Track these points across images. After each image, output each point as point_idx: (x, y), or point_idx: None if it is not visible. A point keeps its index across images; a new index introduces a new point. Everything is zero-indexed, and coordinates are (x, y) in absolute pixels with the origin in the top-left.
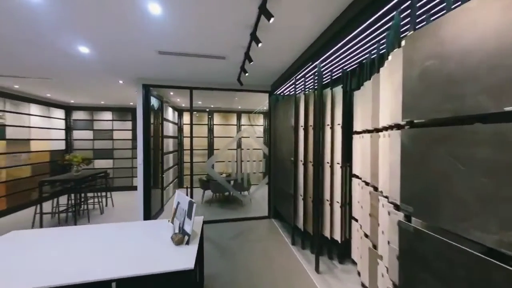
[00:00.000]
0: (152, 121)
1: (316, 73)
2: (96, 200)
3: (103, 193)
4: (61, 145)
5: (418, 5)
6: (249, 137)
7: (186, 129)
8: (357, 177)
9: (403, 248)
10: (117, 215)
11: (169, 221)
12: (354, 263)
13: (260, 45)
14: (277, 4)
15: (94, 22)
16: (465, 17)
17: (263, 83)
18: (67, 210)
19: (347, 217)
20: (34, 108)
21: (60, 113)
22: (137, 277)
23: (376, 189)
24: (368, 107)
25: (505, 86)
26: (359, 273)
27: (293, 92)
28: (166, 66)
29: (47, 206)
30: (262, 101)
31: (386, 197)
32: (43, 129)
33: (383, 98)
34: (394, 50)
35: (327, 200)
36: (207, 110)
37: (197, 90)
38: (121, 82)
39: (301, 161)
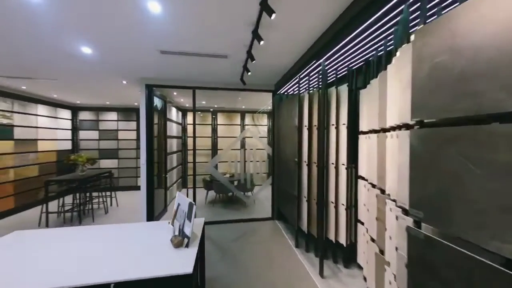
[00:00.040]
0: (156, 121)
1: (321, 72)
2: (100, 199)
3: (108, 193)
4: (68, 145)
5: None
6: (252, 137)
7: (190, 129)
8: (363, 178)
9: (412, 255)
10: (121, 215)
11: (169, 223)
12: (360, 267)
13: (262, 42)
14: (279, 0)
15: (95, 22)
16: (482, 6)
17: (266, 83)
18: (72, 209)
19: (353, 220)
20: (41, 109)
21: (66, 114)
22: (134, 281)
23: (383, 191)
24: (375, 106)
25: None
26: (365, 278)
27: (297, 91)
28: (168, 66)
29: (53, 205)
30: (266, 101)
31: (394, 200)
32: (50, 129)
33: (391, 97)
34: (403, 46)
35: (332, 202)
36: (211, 110)
37: (200, 90)
38: (124, 82)
39: (305, 161)
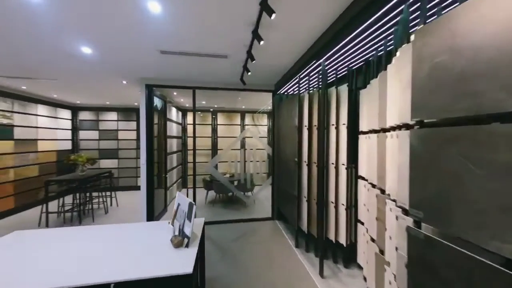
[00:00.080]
0: (156, 121)
1: (321, 72)
2: (100, 199)
3: (108, 193)
4: (68, 145)
5: None
6: (252, 137)
7: (190, 129)
8: (363, 178)
9: (412, 255)
10: (122, 215)
11: (169, 223)
12: (360, 267)
13: (262, 42)
14: (279, 0)
15: (95, 22)
16: (482, 6)
17: (266, 83)
18: (72, 209)
19: (353, 220)
20: (41, 109)
21: (66, 114)
22: (134, 281)
23: (383, 191)
24: (375, 106)
25: None
26: (365, 278)
27: (297, 91)
28: (168, 66)
29: (53, 205)
30: (266, 101)
31: (394, 200)
32: (50, 129)
33: (391, 97)
34: (403, 46)
35: (332, 202)
36: (211, 110)
37: (200, 90)
38: (124, 82)
39: (305, 161)
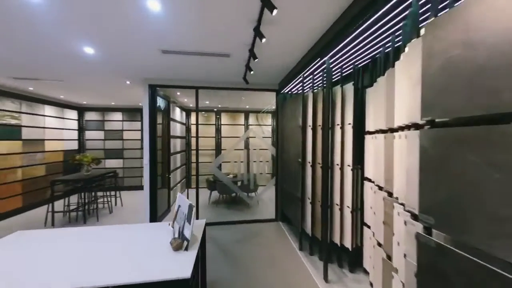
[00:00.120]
0: (159, 121)
1: (325, 70)
2: (105, 199)
3: (112, 193)
4: (74, 145)
5: None
6: (255, 137)
7: (194, 129)
8: (369, 180)
9: (422, 264)
10: (125, 215)
11: (169, 224)
12: (366, 272)
13: (264, 40)
14: None
15: (95, 22)
16: None
17: (270, 82)
18: (77, 209)
19: (359, 223)
20: (48, 109)
21: (73, 114)
22: (131, 285)
23: (390, 194)
24: (382, 105)
25: None
26: (371, 284)
27: (301, 90)
28: (171, 65)
29: (59, 205)
30: (270, 100)
31: (402, 204)
32: (57, 130)
33: (399, 95)
34: (412, 41)
35: (337, 205)
36: (215, 110)
37: (204, 90)
38: (128, 82)
39: (309, 162)
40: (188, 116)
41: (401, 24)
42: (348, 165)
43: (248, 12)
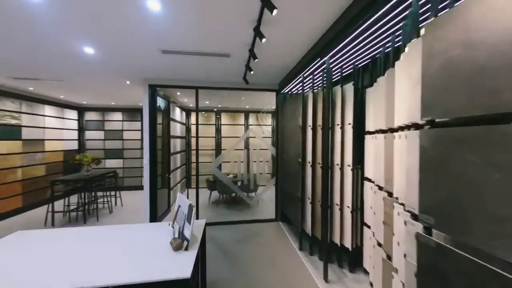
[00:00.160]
0: (160, 121)
1: (325, 70)
2: (105, 199)
3: (113, 193)
4: (74, 145)
5: None
6: (255, 137)
7: (194, 129)
8: (369, 180)
9: (422, 264)
10: (125, 215)
11: (169, 224)
12: (366, 272)
13: (264, 40)
14: None
15: (94, 22)
16: None
17: (269, 82)
18: (77, 209)
19: (359, 223)
20: (48, 109)
21: (73, 114)
22: (131, 285)
23: (390, 194)
24: (382, 105)
25: None
26: (371, 284)
27: (301, 90)
28: (171, 65)
29: (59, 204)
30: (270, 100)
31: (402, 204)
32: (57, 130)
33: (399, 95)
34: (412, 41)
35: (337, 205)
36: (215, 110)
37: (204, 90)
38: (128, 82)
39: (309, 162)
40: (188, 116)
41: (401, 24)
42: (348, 165)
43: (248, 12)
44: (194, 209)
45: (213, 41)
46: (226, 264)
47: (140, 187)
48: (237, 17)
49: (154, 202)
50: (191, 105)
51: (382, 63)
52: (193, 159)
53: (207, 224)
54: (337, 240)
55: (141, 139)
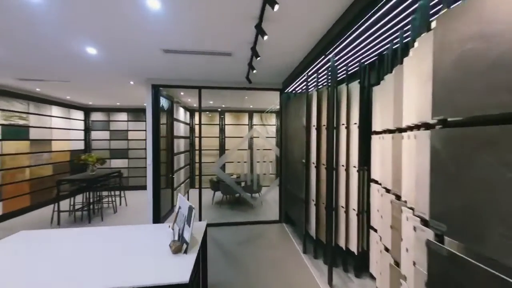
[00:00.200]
0: (163, 121)
1: (330, 68)
2: (110, 199)
3: (117, 192)
4: (81, 145)
5: None
6: (259, 137)
7: (198, 129)
8: (376, 182)
9: (433, 273)
10: (130, 214)
11: (169, 226)
12: (373, 277)
13: (266, 37)
14: None
15: (96, 22)
16: None
17: (273, 81)
18: (82, 208)
19: (365, 227)
20: (55, 110)
21: (79, 114)
22: None
23: (398, 197)
24: (390, 104)
25: None
26: None
27: (305, 89)
28: (173, 65)
29: (65, 204)
30: (274, 100)
31: (412, 208)
32: (64, 130)
33: (408, 93)
34: (422, 35)
35: (342, 207)
36: (219, 110)
37: (207, 90)
38: (131, 83)
39: (314, 163)
40: (192, 116)
41: (409, 19)
42: (354, 166)
43: (249, 9)
44: (194, 211)
45: (214, 39)
46: (228, 267)
47: (145, 187)
48: (238, 14)
49: (157, 202)
50: (194, 105)
51: (390, 60)
52: (197, 159)
53: (209, 225)
54: (342, 243)
55: (146, 139)
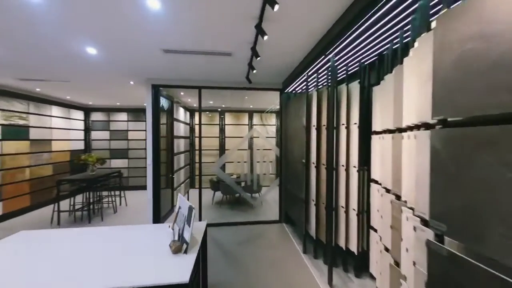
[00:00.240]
0: (163, 121)
1: (330, 68)
2: (110, 199)
3: (117, 192)
4: (81, 145)
5: None
6: (259, 137)
7: (198, 129)
8: (376, 182)
9: (433, 273)
10: (130, 214)
11: (169, 226)
12: (373, 277)
13: (266, 37)
14: None
15: (96, 22)
16: None
17: (273, 81)
18: (82, 208)
19: (365, 227)
20: (55, 110)
21: (79, 115)
22: None
23: (398, 197)
24: (390, 104)
25: None
26: None
27: (305, 89)
28: (173, 65)
29: (65, 204)
30: (274, 100)
31: (411, 208)
32: (64, 130)
33: (408, 93)
34: (422, 35)
35: (342, 207)
36: (219, 110)
37: (207, 90)
38: (131, 83)
39: (314, 163)
40: (192, 116)
41: (409, 19)
42: (354, 166)
43: (249, 9)
44: (194, 211)
45: (214, 39)
46: (228, 267)
47: (145, 187)
48: (238, 14)
49: (157, 202)
50: (194, 105)
51: (390, 60)
52: (197, 159)
53: (209, 225)
54: (342, 243)
55: (147, 139)
